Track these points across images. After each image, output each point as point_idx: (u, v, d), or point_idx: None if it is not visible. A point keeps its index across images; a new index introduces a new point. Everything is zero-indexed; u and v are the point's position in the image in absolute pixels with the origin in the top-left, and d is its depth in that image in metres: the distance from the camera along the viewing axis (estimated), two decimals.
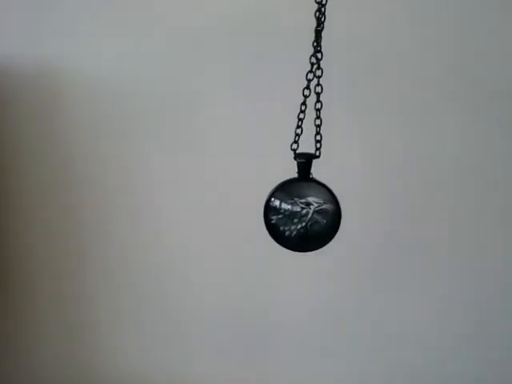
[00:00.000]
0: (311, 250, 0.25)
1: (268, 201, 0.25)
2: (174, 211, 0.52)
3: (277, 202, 0.24)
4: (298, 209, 0.23)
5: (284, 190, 0.24)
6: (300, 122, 0.27)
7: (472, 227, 0.50)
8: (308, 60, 0.28)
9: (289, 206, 0.23)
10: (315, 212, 0.23)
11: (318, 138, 0.27)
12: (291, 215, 0.23)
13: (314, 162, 0.26)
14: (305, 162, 0.24)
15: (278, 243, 0.25)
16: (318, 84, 0.29)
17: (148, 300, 0.55)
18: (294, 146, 0.26)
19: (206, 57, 0.47)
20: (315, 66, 0.29)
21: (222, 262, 0.53)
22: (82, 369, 0.58)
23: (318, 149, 0.26)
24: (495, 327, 0.53)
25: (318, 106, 0.28)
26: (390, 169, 0.49)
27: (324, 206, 0.23)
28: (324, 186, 0.24)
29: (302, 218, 0.23)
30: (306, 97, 0.28)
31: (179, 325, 0.56)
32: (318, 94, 0.29)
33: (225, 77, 0.48)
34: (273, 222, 0.24)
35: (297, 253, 0.27)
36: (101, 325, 0.56)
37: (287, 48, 0.45)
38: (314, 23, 0.30)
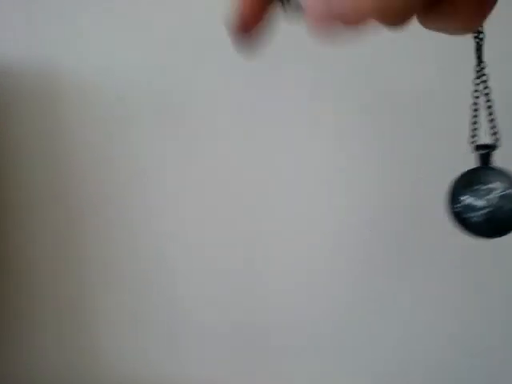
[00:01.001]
0: (499, 235, 0.24)
1: (451, 190, 0.25)
2: (175, 212, 0.52)
3: (460, 191, 0.24)
4: (482, 195, 0.23)
5: (466, 178, 0.24)
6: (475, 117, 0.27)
7: None
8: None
9: (472, 194, 0.23)
10: (500, 197, 0.23)
11: (495, 129, 0.27)
12: (475, 202, 0.23)
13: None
14: (486, 152, 0.24)
15: (465, 231, 0.24)
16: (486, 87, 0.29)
17: (148, 300, 0.55)
18: (473, 139, 0.26)
19: (206, 56, 0.48)
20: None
21: (222, 262, 0.53)
22: (82, 369, 0.58)
23: (497, 139, 0.26)
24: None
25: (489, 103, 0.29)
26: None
27: (509, 191, 0.23)
28: (506, 172, 0.24)
29: (487, 203, 0.23)
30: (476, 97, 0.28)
31: (179, 325, 0.56)
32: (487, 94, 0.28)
33: (225, 76, 0.48)
34: (457, 210, 0.24)
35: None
36: (101, 325, 0.56)
37: (287, 46, 0.45)
38: None
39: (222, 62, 0.47)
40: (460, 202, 0.24)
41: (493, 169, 0.24)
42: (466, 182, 0.24)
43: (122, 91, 0.49)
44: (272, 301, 0.54)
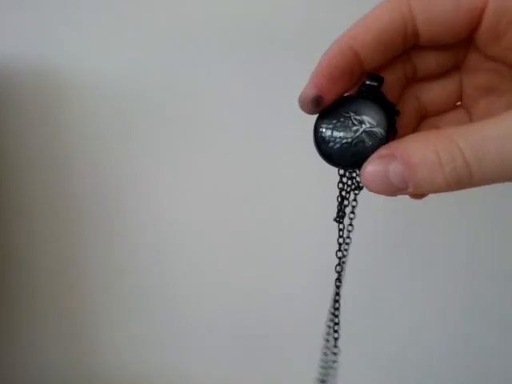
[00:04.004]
0: (349, 168, 0.24)
1: (322, 111, 0.23)
2: (175, 212, 0.52)
3: (333, 111, 0.23)
4: (350, 124, 0.22)
5: (341, 102, 0.23)
6: None
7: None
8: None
9: (341, 119, 0.22)
10: (365, 132, 0.22)
11: None
12: (341, 128, 0.22)
13: None
14: (375, 85, 0.23)
15: (319, 149, 0.23)
16: None
17: (149, 300, 0.55)
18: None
19: (206, 55, 0.48)
20: None
21: (222, 262, 0.53)
22: (82, 369, 0.58)
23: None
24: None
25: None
26: None
27: (375, 129, 0.22)
28: (384, 110, 0.22)
29: (351, 133, 0.22)
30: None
31: (179, 325, 0.56)
32: None
33: (226, 75, 0.48)
34: (321, 130, 0.23)
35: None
36: (99, 325, 0.56)
37: (288, 45, 0.45)
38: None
39: (222, 62, 0.47)
40: (328, 123, 0.23)
41: (373, 102, 0.23)
42: (341, 106, 0.23)
43: (123, 91, 0.49)
44: (272, 301, 0.54)
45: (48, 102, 0.50)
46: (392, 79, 0.24)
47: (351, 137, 0.22)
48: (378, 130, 0.22)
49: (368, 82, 0.23)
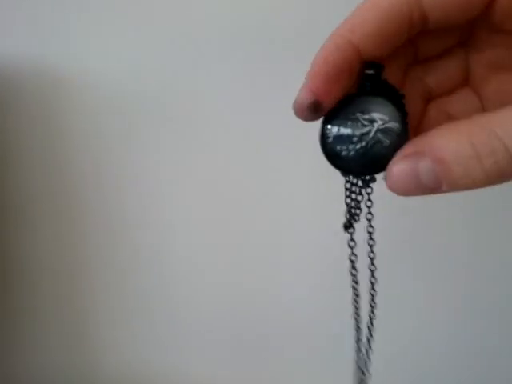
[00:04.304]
0: (371, 174, 0.21)
1: (325, 118, 0.20)
2: (175, 212, 0.52)
3: (335, 119, 0.20)
4: (360, 126, 0.19)
5: (345, 104, 0.20)
6: None
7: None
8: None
9: (349, 123, 0.20)
10: (378, 130, 0.19)
11: None
12: (351, 133, 0.20)
13: None
14: (373, 73, 0.20)
15: (333, 165, 0.21)
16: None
17: (150, 300, 0.55)
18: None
19: (206, 55, 0.47)
20: None
21: (222, 262, 0.53)
22: (82, 369, 0.58)
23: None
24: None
25: None
26: None
27: (389, 125, 0.19)
28: (392, 101, 0.20)
29: (363, 136, 0.19)
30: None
31: (180, 325, 0.56)
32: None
33: (226, 75, 0.48)
34: (329, 140, 0.20)
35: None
36: (101, 325, 0.56)
37: (288, 45, 0.45)
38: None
39: (222, 62, 0.47)
40: (334, 131, 0.20)
41: (378, 95, 0.20)
42: (345, 108, 0.20)
43: (123, 90, 0.49)
44: (272, 300, 0.54)
45: (48, 102, 0.50)
46: (392, 65, 0.22)
47: (365, 140, 0.20)
48: (393, 125, 0.20)
49: (368, 72, 0.20)
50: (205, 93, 0.49)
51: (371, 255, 0.27)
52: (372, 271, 0.28)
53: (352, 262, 0.27)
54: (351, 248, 0.26)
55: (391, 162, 0.19)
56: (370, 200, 0.25)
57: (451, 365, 0.55)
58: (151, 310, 0.55)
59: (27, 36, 0.48)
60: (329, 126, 0.21)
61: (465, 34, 0.22)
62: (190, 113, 0.49)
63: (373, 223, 0.23)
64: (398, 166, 0.19)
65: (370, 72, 0.20)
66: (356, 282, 0.28)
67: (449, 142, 0.17)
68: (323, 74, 0.19)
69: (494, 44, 0.21)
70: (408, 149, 0.19)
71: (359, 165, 0.20)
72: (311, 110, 0.20)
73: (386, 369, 0.55)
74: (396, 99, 0.21)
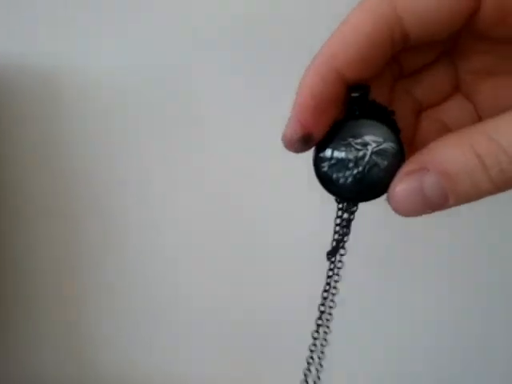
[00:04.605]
0: (371, 199, 0.20)
1: (317, 147, 0.20)
2: (176, 211, 0.52)
3: (327, 147, 0.20)
4: (353, 151, 0.19)
5: (336, 131, 0.19)
6: None
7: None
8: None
9: (342, 149, 0.19)
10: (373, 153, 0.19)
11: None
12: (345, 160, 0.19)
13: None
14: (359, 96, 0.19)
15: (332, 194, 0.20)
16: None
17: (149, 301, 0.55)
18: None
19: (206, 55, 0.47)
20: None
21: (222, 262, 0.53)
22: (82, 369, 0.58)
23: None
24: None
25: None
26: None
27: (384, 146, 0.19)
28: (382, 122, 0.19)
29: (359, 161, 0.19)
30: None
31: (180, 325, 0.56)
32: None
33: (226, 75, 0.48)
34: (324, 169, 0.20)
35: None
36: (101, 325, 0.56)
37: (288, 45, 0.45)
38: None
39: (222, 62, 0.47)
40: (328, 160, 0.20)
41: (367, 118, 0.20)
42: (337, 135, 0.20)
43: (123, 90, 0.49)
44: (272, 301, 0.54)
45: (43, 102, 0.50)
46: (378, 83, 0.21)
47: (361, 164, 0.19)
48: (388, 145, 0.19)
49: (354, 95, 0.20)
50: (205, 93, 0.49)
51: (336, 278, 0.26)
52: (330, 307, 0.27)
53: (325, 298, 0.26)
54: (329, 277, 0.25)
55: (393, 183, 0.19)
56: (349, 228, 0.24)
57: (448, 371, 0.55)
58: (151, 311, 0.55)
59: (28, 36, 0.48)
60: (322, 155, 0.20)
61: (449, 44, 0.21)
62: (189, 113, 0.49)
63: (361, 224, 0.22)
64: (402, 186, 0.18)
65: (357, 95, 0.20)
66: (328, 318, 0.27)
67: (452, 154, 0.17)
68: (311, 107, 0.19)
69: (482, 51, 0.21)
70: (409, 166, 0.18)
71: (358, 191, 0.20)
72: (302, 142, 0.19)
73: (382, 373, 0.55)
74: (387, 118, 0.20)
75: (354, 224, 0.23)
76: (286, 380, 0.57)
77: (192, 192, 0.51)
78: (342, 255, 0.25)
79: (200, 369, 0.57)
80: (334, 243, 0.24)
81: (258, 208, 0.51)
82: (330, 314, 0.27)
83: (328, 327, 0.27)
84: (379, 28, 0.18)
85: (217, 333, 0.55)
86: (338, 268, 0.25)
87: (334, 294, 0.26)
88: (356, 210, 0.23)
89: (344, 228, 0.23)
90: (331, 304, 0.26)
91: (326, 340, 0.27)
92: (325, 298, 0.26)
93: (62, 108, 0.50)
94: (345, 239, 0.24)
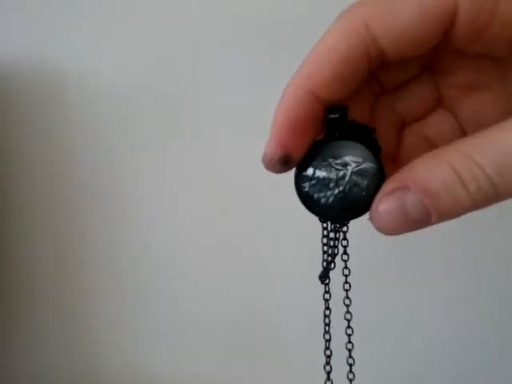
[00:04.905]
0: (353, 218, 0.20)
1: (298, 167, 0.21)
2: (174, 212, 0.52)
3: (308, 167, 0.20)
4: (334, 171, 0.19)
5: (316, 151, 0.20)
6: None
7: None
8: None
9: (323, 169, 0.19)
10: (353, 173, 0.19)
11: None
12: (326, 179, 0.19)
13: None
14: (338, 117, 0.20)
15: (314, 214, 0.21)
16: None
17: (149, 300, 0.55)
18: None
19: (206, 55, 0.47)
20: None
21: (222, 262, 0.53)
22: (82, 369, 0.58)
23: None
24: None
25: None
26: None
27: (363, 166, 0.19)
28: (361, 142, 0.19)
29: (339, 181, 0.19)
30: None
31: (180, 325, 0.56)
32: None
33: (226, 75, 0.48)
34: (305, 189, 0.20)
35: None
36: (101, 325, 0.56)
37: (288, 45, 0.45)
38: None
39: (222, 62, 0.47)
40: (309, 181, 0.20)
41: (346, 138, 0.20)
42: (317, 157, 0.20)
43: (123, 91, 0.49)
44: (272, 301, 0.54)
45: (49, 104, 0.50)
46: (357, 101, 0.21)
47: (342, 184, 0.20)
48: (368, 165, 0.19)
49: (332, 117, 0.20)
50: (205, 93, 0.49)
51: (347, 301, 0.27)
52: (348, 320, 0.27)
53: (326, 316, 0.26)
54: (326, 301, 0.26)
55: (375, 202, 0.19)
56: (345, 253, 0.24)
57: (446, 376, 0.55)
58: (151, 311, 0.55)
59: (28, 36, 0.48)
60: (303, 175, 0.20)
61: (429, 60, 0.21)
62: (189, 113, 0.49)
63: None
64: (384, 204, 0.18)
65: (335, 116, 0.20)
66: (329, 335, 0.27)
67: (432, 172, 0.17)
68: (289, 127, 0.19)
69: (462, 67, 0.21)
70: (390, 185, 0.18)
71: (340, 210, 0.20)
72: (281, 163, 0.19)
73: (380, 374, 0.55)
74: (367, 137, 0.20)
75: (352, 225, 0.23)
76: (286, 380, 0.57)
77: (192, 192, 0.51)
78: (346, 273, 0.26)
79: (200, 369, 0.57)
80: (325, 264, 0.24)
81: (259, 208, 0.51)
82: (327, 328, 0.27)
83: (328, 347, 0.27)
84: (352, 47, 0.18)
85: (217, 333, 0.55)
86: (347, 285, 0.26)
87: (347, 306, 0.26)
88: (347, 231, 0.23)
89: (332, 248, 0.24)
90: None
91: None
92: (327, 325, 0.26)
93: (62, 110, 0.50)
94: (334, 259, 0.24)
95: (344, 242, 0.24)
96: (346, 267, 0.26)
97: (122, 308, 0.55)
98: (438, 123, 0.23)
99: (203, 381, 0.57)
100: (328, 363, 0.25)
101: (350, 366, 0.25)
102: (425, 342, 0.54)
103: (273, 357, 0.56)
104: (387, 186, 0.18)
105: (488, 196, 0.17)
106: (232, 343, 0.56)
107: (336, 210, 0.20)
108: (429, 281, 0.52)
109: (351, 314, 0.26)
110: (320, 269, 0.26)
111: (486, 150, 0.16)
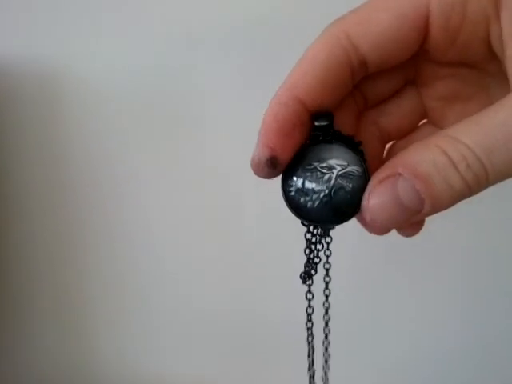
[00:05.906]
0: (340, 222, 0.20)
1: (284, 172, 0.21)
2: (174, 212, 0.52)
3: (293, 172, 0.20)
4: (319, 175, 0.19)
5: (301, 156, 0.20)
6: None
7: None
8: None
9: (308, 173, 0.19)
10: (339, 176, 0.19)
11: None
12: (311, 183, 0.19)
13: None
14: (326, 124, 0.20)
15: (301, 218, 0.21)
16: None
17: (149, 301, 0.55)
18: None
19: (206, 55, 0.47)
20: None
21: (222, 262, 0.53)
22: (82, 369, 0.58)
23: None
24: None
25: None
26: None
27: (348, 169, 0.19)
28: (346, 146, 0.20)
29: (325, 184, 0.19)
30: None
31: (179, 325, 0.56)
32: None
33: (226, 75, 0.48)
34: (291, 194, 0.20)
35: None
36: (101, 325, 0.56)
37: (288, 45, 0.45)
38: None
39: (222, 62, 0.47)
40: (294, 184, 0.20)
41: (331, 143, 0.20)
42: (302, 161, 0.20)
43: (122, 91, 0.49)
44: (272, 301, 0.54)
45: (47, 105, 0.50)
46: (344, 114, 0.21)
47: (327, 187, 0.20)
48: (353, 168, 0.20)
49: (318, 124, 0.20)
50: (204, 93, 0.49)
51: (326, 304, 0.27)
52: (326, 321, 0.28)
53: (309, 315, 0.27)
54: (309, 300, 0.26)
55: (365, 194, 0.19)
56: (328, 249, 0.25)
57: (448, 378, 0.55)
58: (150, 311, 0.55)
59: (27, 36, 0.49)
60: (289, 181, 0.20)
61: (411, 73, 0.22)
62: (189, 113, 0.49)
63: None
64: (375, 195, 0.18)
65: (320, 123, 0.20)
66: (312, 336, 0.28)
67: (421, 155, 0.17)
68: (276, 130, 0.19)
69: (442, 77, 0.21)
70: (380, 175, 0.18)
71: (326, 214, 0.20)
72: (269, 165, 0.19)
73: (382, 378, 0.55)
74: (352, 144, 0.20)
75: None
76: (285, 380, 0.57)
77: (192, 192, 0.51)
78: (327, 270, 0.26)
79: (200, 369, 0.57)
80: (307, 267, 0.25)
81: (258, 207, 0.51)
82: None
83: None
84: (334, 54, 0.19)
85: (217, 333, 0.55)
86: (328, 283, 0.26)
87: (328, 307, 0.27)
88: (330, 242, 0.23)
89: (315, 251, 0.24)
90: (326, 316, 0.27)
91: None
92: (309, 321, 0.27)
93: (60, 110, 0.50)
94: (316, 261, 0.25)
95: (327, 252, 0.25)
96: (327, 275, 0.27)
97: (122, 308, 0.56)
98: (423, 138, 0.24)
99: (203, 381, 0.57)
100: (312, 365, 0.26)
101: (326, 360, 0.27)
102: (427, 341, 0.54)
103: (273, 357, 0.56)
104: (378, 175, 0.18)
105: (478, 177, 0.17)
106: (232, 343, 0.56)
107: (323, 214, 0.20)
108: (430, 281, 0.52)
109: (329, 316, 0.28)
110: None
111: (472, 132, 0.17)
